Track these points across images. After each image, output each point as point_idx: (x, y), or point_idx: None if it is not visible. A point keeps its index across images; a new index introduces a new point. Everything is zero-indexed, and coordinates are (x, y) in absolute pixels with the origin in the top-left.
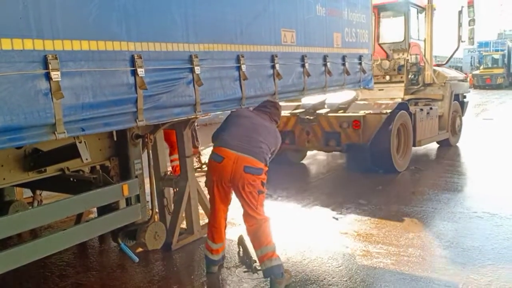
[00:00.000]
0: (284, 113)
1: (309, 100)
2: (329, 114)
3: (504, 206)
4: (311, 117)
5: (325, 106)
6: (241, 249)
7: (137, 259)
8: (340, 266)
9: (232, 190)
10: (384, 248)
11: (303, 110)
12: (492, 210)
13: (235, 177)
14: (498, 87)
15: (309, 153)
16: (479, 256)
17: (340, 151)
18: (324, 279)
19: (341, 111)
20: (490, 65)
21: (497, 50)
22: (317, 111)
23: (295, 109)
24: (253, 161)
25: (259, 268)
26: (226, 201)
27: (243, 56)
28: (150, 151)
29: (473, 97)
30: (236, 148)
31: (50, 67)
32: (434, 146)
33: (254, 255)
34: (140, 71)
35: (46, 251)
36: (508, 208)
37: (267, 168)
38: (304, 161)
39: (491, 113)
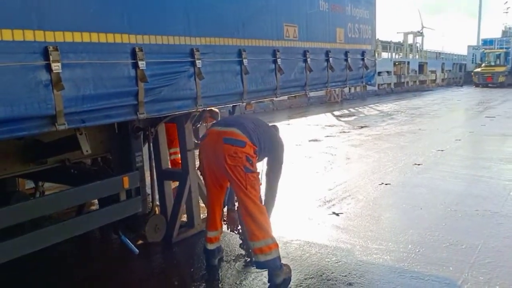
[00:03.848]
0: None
1: None
2: None
3: None
4: None
5: None
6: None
7: (137, 251)
8: (339, 262)
9: (224, 175)
10: (384, 245)
11: None
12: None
13: (217, 151)
14: (501, 85)
15: None
16: (479, 254)
17: None
18: (323, 274)
19: None
20: (492, 63)
21: (501, 48)
22: None
23: None
24: (233, 133)
25: None
26: (219, 186)
27: (244, 51)
28: (151, 144)
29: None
30: (221, 126)
31: (51, 59)
32: None
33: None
34: (141, 64)
35: (47, 242)
36: None
37: (254, 147)
38: None
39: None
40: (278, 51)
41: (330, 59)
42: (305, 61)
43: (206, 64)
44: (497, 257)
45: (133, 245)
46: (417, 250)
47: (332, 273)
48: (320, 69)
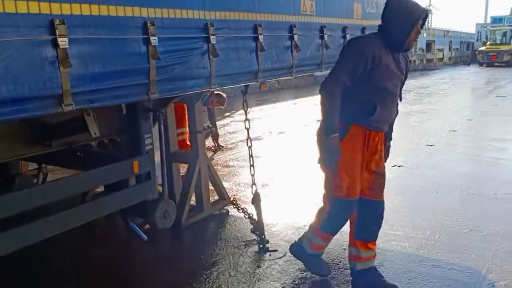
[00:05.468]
0: None
1: None
2: None
3: None
4: None
5: None
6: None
7: (145, 238)
8: None
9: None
10: (401, 231)
11: None
12: None
13: None
14: (507, 64)
15: None
16: (501, 241)
17: None
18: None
19: None
20: (498, 42)
21: (509, 25)
22: None
23: None
24: None
25: (272, 249)
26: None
27: (260, 26)
28: (162, 126)
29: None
30: None
31: (57, 33)
32: None
33: (267, 232)
34: (153, 40)
35: (53, 231)
36: None
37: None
38: None
39: None
40: (295, 27)
41: (347, 35)
42: (322, 37)
43: (220, 40)
44: None
45: (141, 232)
46: (437, 237)
47: None
48: (336, 46)
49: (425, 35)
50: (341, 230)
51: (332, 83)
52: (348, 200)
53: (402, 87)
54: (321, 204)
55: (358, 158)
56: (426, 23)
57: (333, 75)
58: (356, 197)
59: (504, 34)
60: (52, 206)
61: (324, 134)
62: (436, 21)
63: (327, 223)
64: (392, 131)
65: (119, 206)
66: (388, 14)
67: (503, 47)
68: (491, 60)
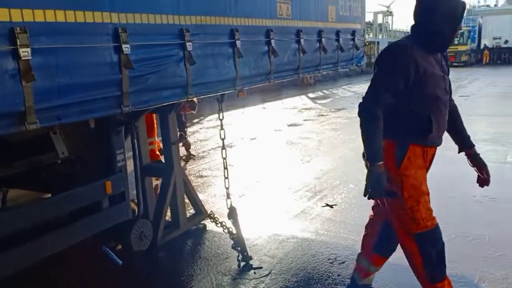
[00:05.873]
0: None
1: None
2: None
3: None
4: None
5: None
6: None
7: (120, 263)
8: (343, 262)
9: None
10: None
11: None
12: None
13: None
14: (465, 64)
15: None
16: (488, 247)
17: None
18: (328, 277)
19: None
20: (455, 42)
21: (468, 27)
22: None
23: None
24: None
25: (256, 266)
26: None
27: (237, 31)
28: (135, 140)
29: None
30: None
31: (19, 43)
32: None
33: (249, 248)
34: (125, 48)
35: (12, 269)
36: None
37: (392, 146)
38: None
39: None
40: (272, 31)
41: (323, 39)
42: (298, 42)
43: (196, 47)
44: (508, 249)
45: (115, 256)
46: None
47: (339, 275)
48: (313, 50)
49: (385, 37)
50: (317, 240)
51: (372, 102)
52: (431, 231)
53: (450, 89)
54: (294, 211)
55: (423, 178)
56: (387, 25)
57: (372, 94)
58: (435, 222)
59: (462, 34)
60: (12, 237)
61: (369, 162)
62: (396, 23)
63: (424, 265)
64: (468, 137)
65: (92, 231)
66: (428, 11)
67: (460, 48)
68: (450, 61)
